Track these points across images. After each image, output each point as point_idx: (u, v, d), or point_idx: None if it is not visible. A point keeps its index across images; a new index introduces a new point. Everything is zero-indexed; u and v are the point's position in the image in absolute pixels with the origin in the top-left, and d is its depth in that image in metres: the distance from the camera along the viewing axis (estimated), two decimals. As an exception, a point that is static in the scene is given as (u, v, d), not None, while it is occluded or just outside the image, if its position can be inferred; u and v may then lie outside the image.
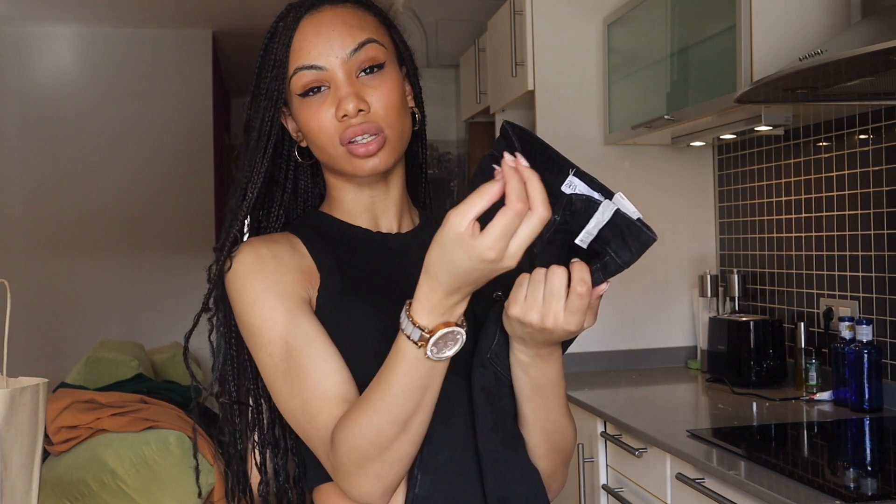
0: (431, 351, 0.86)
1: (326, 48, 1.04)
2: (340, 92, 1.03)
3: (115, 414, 3.00)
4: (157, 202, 5.07)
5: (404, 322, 0.87)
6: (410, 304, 0.87)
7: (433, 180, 4.39)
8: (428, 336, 0.85)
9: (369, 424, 0.91)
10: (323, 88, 1.05)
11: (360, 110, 1.03)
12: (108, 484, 2.87)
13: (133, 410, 3.03)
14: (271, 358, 1.01)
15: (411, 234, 1.15)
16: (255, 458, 1.11)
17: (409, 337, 0.86)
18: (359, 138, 1.03)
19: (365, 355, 1.00)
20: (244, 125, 1.11)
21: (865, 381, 2.19)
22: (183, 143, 5.12)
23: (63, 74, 5.02)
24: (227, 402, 1.09)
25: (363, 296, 1.04)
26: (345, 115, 1.03)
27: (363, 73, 1.05)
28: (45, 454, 2.99)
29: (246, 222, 1.10)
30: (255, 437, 1.11)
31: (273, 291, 1.02)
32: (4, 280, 1.31)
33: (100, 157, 5.02)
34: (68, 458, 2.96)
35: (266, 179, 1.09)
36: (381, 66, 1.06)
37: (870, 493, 1.60)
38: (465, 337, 0.87)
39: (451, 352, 0.87)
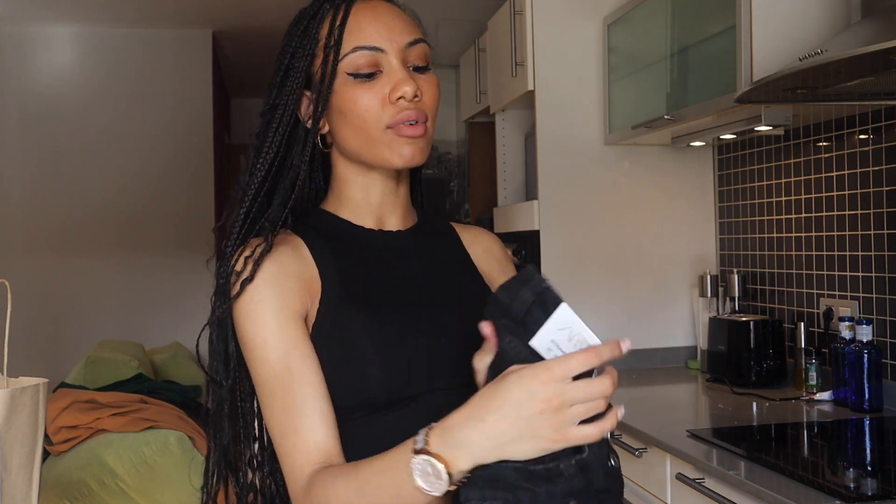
0: (414, 467, 0.84)
1: (386, 33, 1.04)
2: (397, 75, 1.03)
3: (115, 414, 3.00)
4: (158, 202, 5.07)
5: (423, 429, 0.85)
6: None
7: (433, 180, 4.41)
8: (421, 451, 0.83)
9: (344, 496, 0.90)
10: (376, 73, 1.04)
11: (415, 96, 1.03)
12: (108, 484, 2.88)
13: (133, 410, 3.03)
14: (259, 377, 1.00)
15: (411, 231, 1.14)
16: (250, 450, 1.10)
17: (414, 442, 0.85)
18: (408, 123, 1.03)
19: (364, 365, 0.99)
20: (267, 105, 1.08)
21: (865, 381, 2.19)
22: (183, 144, 5.12)
23: (63, 74, 5.02)
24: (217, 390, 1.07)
25: (362, 305, 1.03)
26: (401, 98, 1.02)
27: (413, 69, 1.05)
28: (45, 454, 2.99)
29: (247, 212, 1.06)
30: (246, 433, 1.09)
31: (270, 305, 1.00)
32: (4, 280, 1.31)
33: (100, 157, 5.02)
34: (68, 458, 2.96)
35: (277, 166, 1.07)
36: (428, 68, 1.08)
37: (870, 493, 1.59)
38: (444, 485, 0.82)
39: (426, 487, 0.83)
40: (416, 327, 1.03)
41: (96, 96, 5.03)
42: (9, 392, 1.17)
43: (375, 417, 1.01)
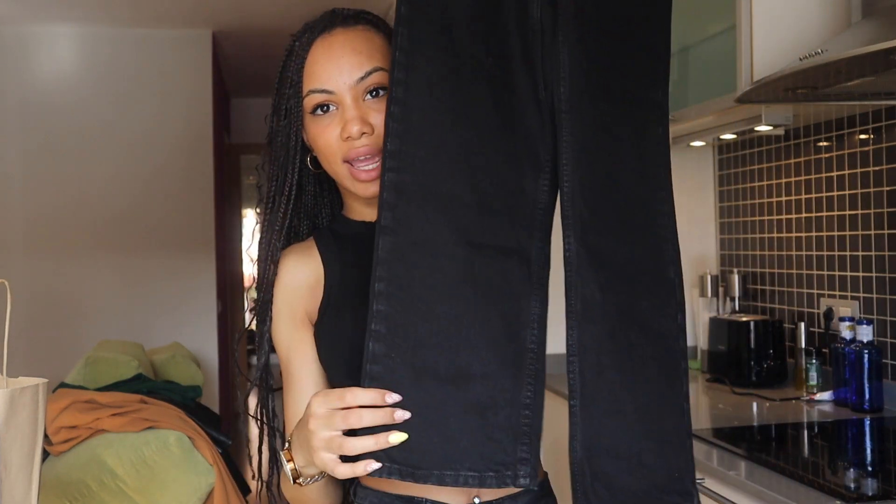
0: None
1: (336, 73, 1.12)
2: (347, 114, 1.11)
3: (115, 414, 3.00)
4: (157, 202, 5.06)
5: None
6: None
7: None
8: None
9: None
10: (331, 108, 1.13)
11: (364, 133, 1.11)
12: (108, 484, 2.87)
13: (133, 410, 3.03)
14: (280, 365, 1.20)
15: None
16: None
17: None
18: (362, 164, 1.12)
19: (350, 350, 1.10)
20: (267, 138, 1.20)
21: (866, 381, 2.19)
22: (183, 144, 5.12)
23: (62, 74, 5.02)
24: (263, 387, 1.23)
25: (357, 294, 1.12)
26: (348, 137, 1.11)
27: (369, 96, 1.12)
28: (45, 454, 2.99)
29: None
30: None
31: (286, 311, 1.17)
32: (4, 280, 1.31)
33: (99, 157, 5.02)
34: (68, 458, 2.95)
35: (296, 189, 1.19)
36: (385, 89, 1.12)
37: (870, 494, 1.59)
38: (292, 477, 1.05)
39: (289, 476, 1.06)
40: None
41: (96, 96, 5.03)
42: (8, 392, 1.17)
43: None
